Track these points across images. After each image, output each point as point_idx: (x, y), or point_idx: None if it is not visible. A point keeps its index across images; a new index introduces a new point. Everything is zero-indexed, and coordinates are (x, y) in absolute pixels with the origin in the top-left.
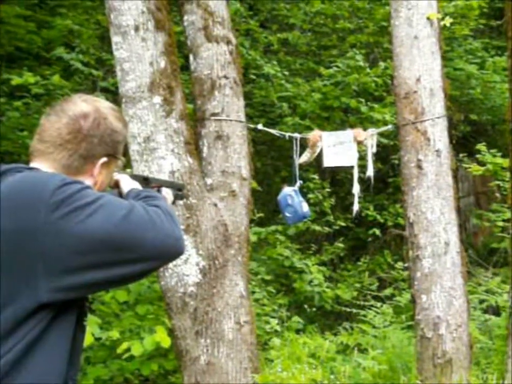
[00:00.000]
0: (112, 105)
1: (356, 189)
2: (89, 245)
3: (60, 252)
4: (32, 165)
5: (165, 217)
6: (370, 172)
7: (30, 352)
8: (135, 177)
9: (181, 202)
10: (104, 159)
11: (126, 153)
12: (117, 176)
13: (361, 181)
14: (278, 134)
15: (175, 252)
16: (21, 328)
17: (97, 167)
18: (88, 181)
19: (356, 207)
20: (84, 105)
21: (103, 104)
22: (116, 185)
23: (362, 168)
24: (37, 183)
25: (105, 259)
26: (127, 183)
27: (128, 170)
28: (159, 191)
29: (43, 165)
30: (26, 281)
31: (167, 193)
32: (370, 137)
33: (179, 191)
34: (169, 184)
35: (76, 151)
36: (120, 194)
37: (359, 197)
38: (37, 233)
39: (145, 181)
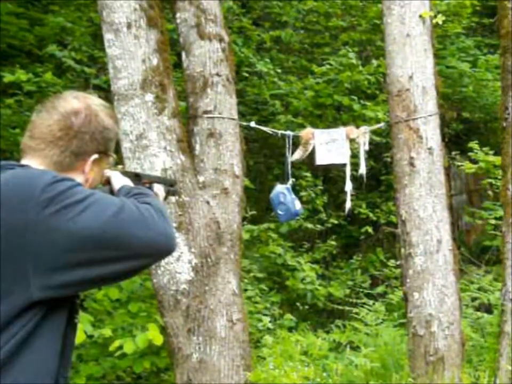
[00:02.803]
0: (103, 102)
1: (349, 186)
2: (80, 243)
3: (50, 250)
4: (23, 161)
5: (156, 214)
6: (362, 169)
7: (21, 350)
8: (126, 173)
9: (173, 199)
10: (95, 156)
11: (118, 151)
12: (108, 173)
13: (354, 178)
14: (270, 132)
15: (165, 249)
16: (12, 325)
17: (88, 164)
18: (79, 178)
19: (348, 204)
20: (75, 102)
21: (94, 101)
22: (107, 182)
23: (355, 166)
24: (28, 180)
25: (95, 257)
26: (119, 180)
27: (120, 166)
28: (150, 187)
29: (34, 162)
30: (17, 279)
31: (159, 189)
32: (362, 135)
33: (171, 186)
34: (161, 180)
35: (67, 148)
36: (111, 191)
37: (352, 195)
38: (28, 230)
39: (136, 177)
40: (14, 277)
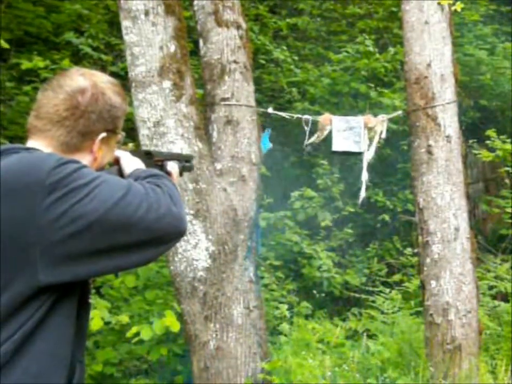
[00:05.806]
0: (111, 78)
1: (365, 176)
2: (86, 227)
3: (56, 235)
4: (29, 142)
5: (164, 196)
6: (370, 155)
7: (33, 336)
8: (136, 153)
9: (190, 187)
10: (103, 135)
11: (135, 138)
12: (117, 153)
13: (370, 167)
14: (288, 117)
15: (174, 231)
16: (22, 313)
17: (96, 143)
18: (87, 158)
19: (363, 194)
20: (81, 79)
21: (101, 79)
22: (116, 162)
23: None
24: (32, 165)
25: (102, 241)
26: (128, 161)
27: (130, 144)
28: (163, 165)
29: (41, 143)
30: (23, 265)
31: (172, 167)
32: (380, 124)
33: (187, 162)
34: (175, 157)
35: (74, 128)
36: (120, 172)
37: (368, 184)
38: (34, 216)
39: (147, 155)
40: (19, 264)
